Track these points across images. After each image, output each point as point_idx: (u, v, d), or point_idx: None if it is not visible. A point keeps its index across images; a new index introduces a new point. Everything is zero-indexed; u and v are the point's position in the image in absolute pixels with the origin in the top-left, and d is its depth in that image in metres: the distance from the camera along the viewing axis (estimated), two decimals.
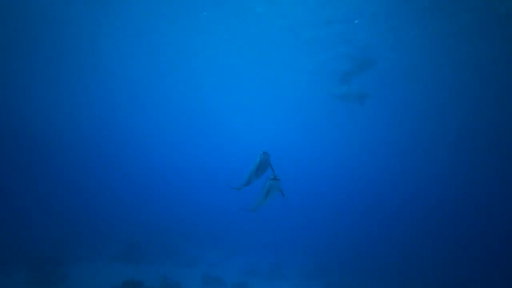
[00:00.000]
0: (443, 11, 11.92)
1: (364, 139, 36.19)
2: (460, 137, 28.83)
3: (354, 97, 19.17)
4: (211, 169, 59.46)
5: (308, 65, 19.01)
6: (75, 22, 16.22)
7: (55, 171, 46.58)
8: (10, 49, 20.05)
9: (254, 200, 6.86)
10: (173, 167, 61.33)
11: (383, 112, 26.24)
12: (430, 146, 33.77)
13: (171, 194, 44.68)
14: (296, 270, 17.83)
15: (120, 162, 56.31)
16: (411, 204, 49.53)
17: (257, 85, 24.44)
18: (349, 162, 48.13)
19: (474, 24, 12.42)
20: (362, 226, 34.84)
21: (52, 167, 48.11)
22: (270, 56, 18.79)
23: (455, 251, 24.46)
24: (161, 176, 56.86)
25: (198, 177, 58.25)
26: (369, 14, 12.54)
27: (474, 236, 31.63)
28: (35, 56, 21.16)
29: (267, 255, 20.74)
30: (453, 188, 47.31)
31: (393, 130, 31.03)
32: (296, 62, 19.01)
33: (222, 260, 18.66)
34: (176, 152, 57.46)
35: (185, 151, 56.78)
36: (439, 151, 34.58)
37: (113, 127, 44.27)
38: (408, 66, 17.61)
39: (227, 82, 24.38)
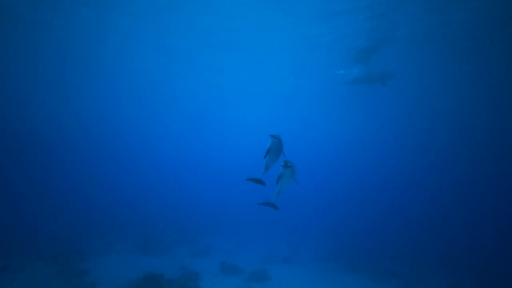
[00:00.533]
0: None
1: (381, 127, 35.40)
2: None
3: (375, 78, 17.39)
4: (223, 161, 59.47)
5: (315, 42, 16.55)
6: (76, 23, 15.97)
7: (71, 170, 46.84)
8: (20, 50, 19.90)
9: (272, 194, 6.54)
10: (185, 162, 61.44)
11: (406, 95, 24.50)
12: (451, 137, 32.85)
13: (183, 187, 44.93)
14: (311, 255, 17.93)
15: (133, 159, 56.49)
16: (420, 193, 49.19)
17: (260, 76, 23.37)
18: (363, 150, 47.67)
19: None
20: (372, 212, 34.86)
21: (68, 166, 48.39)
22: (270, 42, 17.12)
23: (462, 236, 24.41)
24: (173, 170, 57.02)
25: (210, 168, 58.42)
26: None
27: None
28: (35, 58, 21.01)
29: (282, 241, 20.89)
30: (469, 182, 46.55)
31: (413, 116, 29.90)
32: (297, 38, 16.32)
33: (237, 247, 18.81)
34: (188, 147, 57.43)
35: (197, 146, 56.71)
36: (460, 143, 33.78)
37: (125, 127, 44.38)
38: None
39: (232, 75, 23.74)
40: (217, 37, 16.57)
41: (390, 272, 14.81)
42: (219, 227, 23.10)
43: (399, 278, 14.25)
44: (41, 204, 24.93)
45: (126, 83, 26.37)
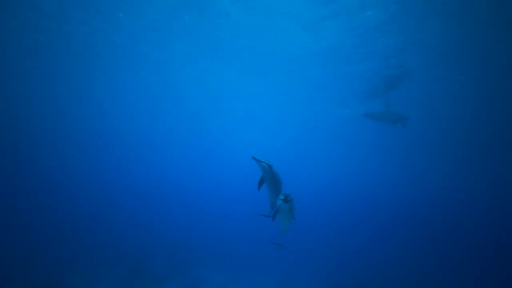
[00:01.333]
0: None
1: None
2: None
3: (392, 119, 17.67)
4: (217, 185, 58.32)
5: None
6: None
7: (56, 195, 45.13)
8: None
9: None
10: (175, 184, 60.03)
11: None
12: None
13: (173, 212, 43.31)
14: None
15: (121, 182, 54.97)
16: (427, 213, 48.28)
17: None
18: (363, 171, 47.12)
19: None
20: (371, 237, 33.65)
21: (54, 190, 46.68)
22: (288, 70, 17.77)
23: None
24: (164, 194, 55.48)
25: (203, 193, 57.00)
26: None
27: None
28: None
29: (276, 271, 19.58)
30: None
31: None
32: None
33: (231, 281, 17.50)
34: (181, 168, 56.26)
35: (190, 167, 55.59)
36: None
37: (115, 141, 43.34)
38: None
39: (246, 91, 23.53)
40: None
41: None
42: (213, 257, 21.70)
43: None
44: (22, 230, 23.33)
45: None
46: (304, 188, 54.82)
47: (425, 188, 46.98)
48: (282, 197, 5.29)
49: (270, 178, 5.35)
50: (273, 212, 5.72)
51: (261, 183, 5.47)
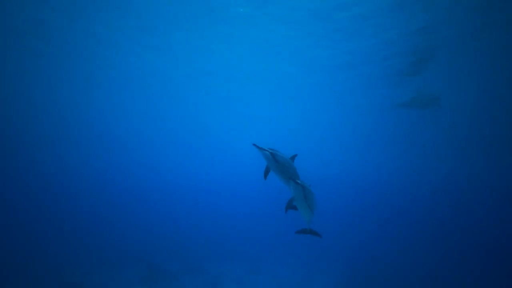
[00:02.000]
0: None
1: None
2: None
3: (424, 102, 16.96)
4: (233, 183, 58.17)
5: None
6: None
7: (68, 195, 45.80)
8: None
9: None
10: (186, 183, 60.14)
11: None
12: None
13: (186, 210, 43.57)
14: (328, 281, 16.69)
15: (135, 181, 55.30)
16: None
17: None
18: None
19: None
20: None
21: (66, 191, 47.31)
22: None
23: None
24: (176, 190, 55.72)
25: (215, 189, 57.01)
26: None
27: None
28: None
29: (295, 267, 19.52)
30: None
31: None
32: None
33: (247, 274, 17.57)
34: (195, 165, 56.32)
35: (205, 164, 55.59)
36: None
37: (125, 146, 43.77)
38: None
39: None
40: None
41: None
42: (229, 252, 21.80)
43: None
44: (34, 233, 23.72)
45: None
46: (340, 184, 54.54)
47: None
48: (292, 182, 4.86)
49: (276, 168, 5.09)
50: (288, 202, 5.36)
51: (266, 172, 5.28)
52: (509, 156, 31.90)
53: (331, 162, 47.50)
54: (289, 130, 34.39)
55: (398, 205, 45.98)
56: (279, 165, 5.02)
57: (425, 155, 37.58)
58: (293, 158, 5.40)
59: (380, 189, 56.61)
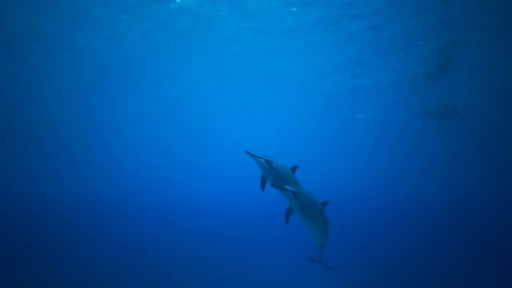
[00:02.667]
0: None
1: None
2: None
3: (450, 113, 16.53)
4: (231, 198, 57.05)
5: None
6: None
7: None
8: None
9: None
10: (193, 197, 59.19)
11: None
12: None
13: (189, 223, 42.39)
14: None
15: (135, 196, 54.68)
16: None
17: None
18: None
19: None
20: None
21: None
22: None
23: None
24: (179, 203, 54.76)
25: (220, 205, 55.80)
26: None
27: None
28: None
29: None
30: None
31: None
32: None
33: None
34: (199, 175, 55.89)
35: (209, 175, 55.10)
36: None
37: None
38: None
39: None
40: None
41: None
42: (234, 269, 20.47)
43: None
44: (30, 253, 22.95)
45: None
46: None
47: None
48: (281, 188, 4.32)
49: (273, 177, 4.69)
50: (286, 213, 4.92)
51: (263, 183, 4.84)
52: None
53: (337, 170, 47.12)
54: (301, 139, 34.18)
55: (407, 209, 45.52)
56: (276, 174, 4.63)
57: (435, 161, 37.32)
58: (293, 169, 4.98)
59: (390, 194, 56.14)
